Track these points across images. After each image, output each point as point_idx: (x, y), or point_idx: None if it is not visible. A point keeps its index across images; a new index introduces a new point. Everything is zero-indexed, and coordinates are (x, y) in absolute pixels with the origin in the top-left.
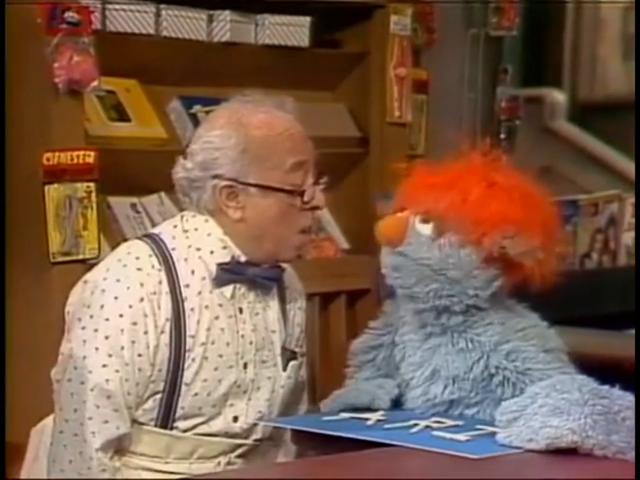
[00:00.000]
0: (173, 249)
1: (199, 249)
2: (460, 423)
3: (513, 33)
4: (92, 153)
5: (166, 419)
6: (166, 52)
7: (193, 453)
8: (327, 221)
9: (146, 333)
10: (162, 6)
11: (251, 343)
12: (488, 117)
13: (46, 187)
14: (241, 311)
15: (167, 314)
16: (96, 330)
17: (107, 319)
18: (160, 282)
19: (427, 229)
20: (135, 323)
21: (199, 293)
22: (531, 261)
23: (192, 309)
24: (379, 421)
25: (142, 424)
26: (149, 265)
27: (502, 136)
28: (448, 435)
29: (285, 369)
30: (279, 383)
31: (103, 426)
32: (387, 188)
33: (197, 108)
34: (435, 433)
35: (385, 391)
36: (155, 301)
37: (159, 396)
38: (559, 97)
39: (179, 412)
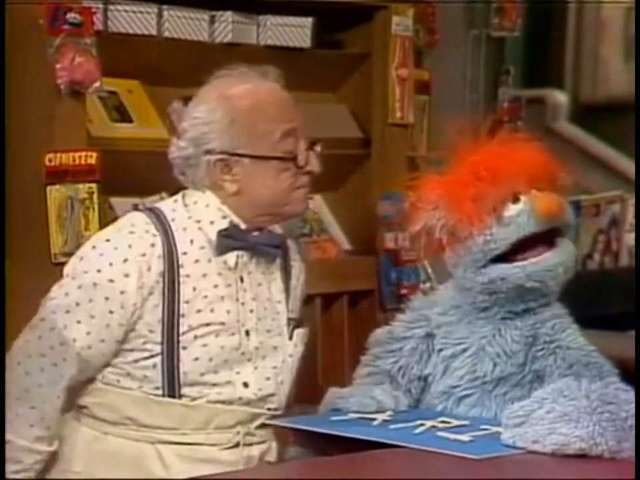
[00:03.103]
0: (172, 219)
1: (198, 221)
2: (465, 422)
3: (515, 34)
4: (94, 154)
5: (171, 386)
6: (168, 53)
7: (209, 422)
8: (328, 221)
9: (123, 292)
10: (164, 7)
11: (251, 311)
12: (490, 117)
13: (48, 188)
14: (242, 279)
15: (157, 277)
16: (73, 278)
17: (86, 272)
18: (152, 245)
19: (513, 210)
20: (111, 280)
21: (197, 261)
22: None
23: (187, 276)
24: (385, 421)
25: (149, 395)
26: (142, 230)
27: None
28: (452, 436)
29: (290, 338)
30: (286, 352)
31: (51, 368)
32: (389, 189)
33: None
34: (439, 433)
35: (390, 395)
36: (144, 263)
37: (157, 360)
38: (560, 97)
39: (182, 378)
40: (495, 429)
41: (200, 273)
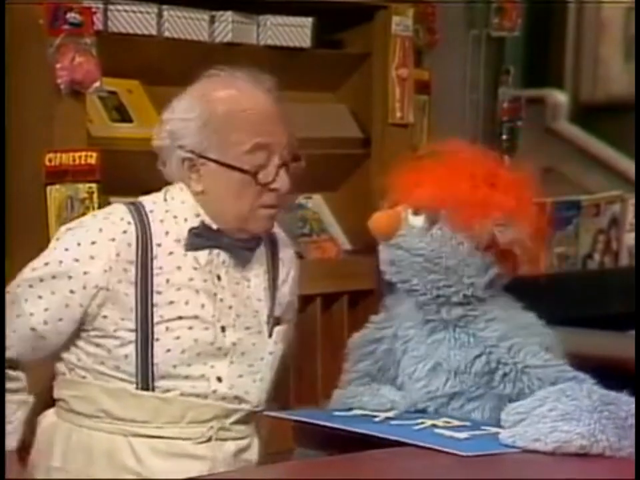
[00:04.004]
0: (151, 211)
1: (175, 216)
2: (467, 423)
3: (515, 34)
4: (94, 154)
5: (145, 378)
6: (168, 53)
7: (184, 416)
8: (328, 221)
9: (86, 273)
10: (164, 7)
11: (230, 307)
12: (490, 117)
13: (48, 188)
14: (219, 277)
15: (126, 264)
16: (44, 255)
17: (55, 248)
18: (124, 232)
19: (419, 221)
20: (76, 260)
21: (171, 253)
22: (520, 249)
23: (161, 267)
24: (388, 418)
25: (122, 387)
26: (118, 217)
27: (504, 137)
28: (448, 433)
29: (270, 336)
30: (266, 350)
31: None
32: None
33: None
34: (437, 430)
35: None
36: (113, 247)
37: (130, 350)
38: (560, 97)
39: (155, 370)
40: (494, 429)
41: (174, 265)
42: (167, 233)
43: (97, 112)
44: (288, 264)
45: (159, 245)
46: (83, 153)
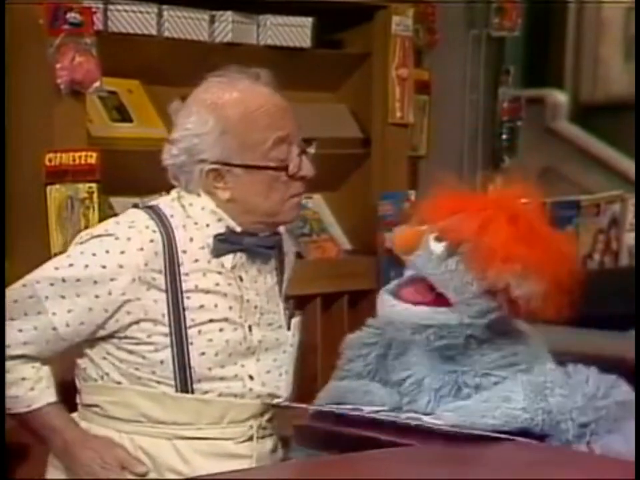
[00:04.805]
0: (172, 215)
1: (196, 223)
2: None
3: (515, 34)
4: (94, 154)
5: (184, 382)
6: (168, 53)
7: (224, 416)
8: (328, 221)
9: (113, 280)
10: (164, 7)
11: (255, 307)
12: (490, 117)
13: (48, 188)
14: (241, 278)
15: (154, 273)
16: (68, 256)
17: (82, 252)
18: (151, 240)
19: (439, 247)
20: (104, 267)
21: (196, 260)
22: (531, 304)
23: (187, 274)
24: (377, 411)
25: (163, 391)
26: (143, 225)
27: (504, 137)
28: (427, 418)
29: (289, 328)
30: (287, 343)
31: (13, 333)
32: (389, 188)
33: None
34: (423, 418)
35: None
36: (141, 257)
37: (166, 354)
38: (560, 97)
39: (192, 373)
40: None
41: (200, 271)
42: (191, 239)
43: (97, 112)
44: (292, 257)
45: (184, 252)
46: (83, 153)
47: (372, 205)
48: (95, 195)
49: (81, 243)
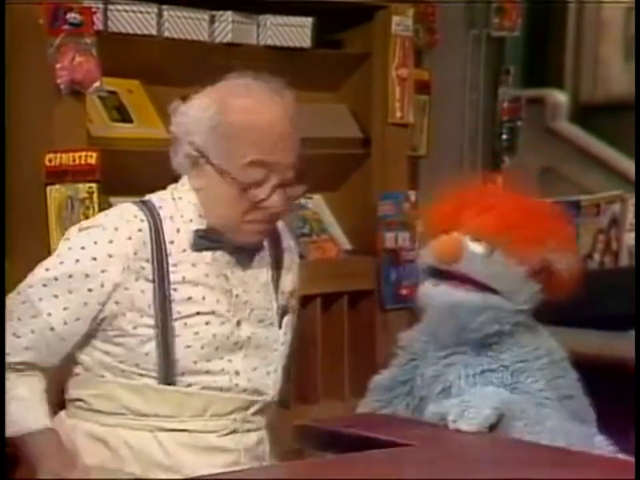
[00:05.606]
0: (160, 207)
1: (182, 216)
2: None
3: (515, 34)
4: (94, 154)
5: (167, 374)
6: (168, 53)
7: (206, 409)
8: (328, 221)
9: (104, 271)
10: (164, 7)
11: (245, 302)
12: (490, 117)
13: (48, 188)
14: (231, 272)
15: (143, 262)
16: (58, 256)
17: (70, 248)
18: (139, 230)
19: (479, 248)
20: (94, 259)
21: (184, 250)
22: (569, 271)
23: (175, 265)
24: None
25: (145, 383)
26: (131, 215)
27: (504, 137)
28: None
29: (280, 327)
30: (278, 342)
31: (12, 340)
32: (389, 188)
33: None
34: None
35: None
36: (130, 246)
37: (151, 346)
38: (560, 97)
39: (177, 366)
40: None
41: (189, 262)
42: (177, 230)
43: (97, 112)
44: (289, 254)
45: (171, 242)
46: (83, 153)
47: (372, 205)
48: (95, 195)
49: (69, 239)
